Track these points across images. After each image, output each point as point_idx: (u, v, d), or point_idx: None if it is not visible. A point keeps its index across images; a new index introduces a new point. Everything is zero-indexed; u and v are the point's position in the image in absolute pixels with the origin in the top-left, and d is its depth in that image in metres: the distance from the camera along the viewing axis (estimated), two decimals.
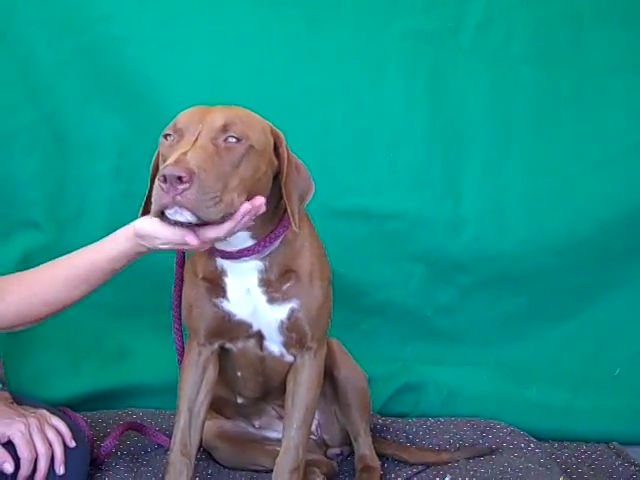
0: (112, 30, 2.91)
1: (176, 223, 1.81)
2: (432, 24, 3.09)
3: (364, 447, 2.50)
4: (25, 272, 2.13)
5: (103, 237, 2.92)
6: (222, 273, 2.10)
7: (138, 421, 2.66)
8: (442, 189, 3.11)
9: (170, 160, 1.76)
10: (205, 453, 2.55)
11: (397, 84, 3.08)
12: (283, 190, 1.99)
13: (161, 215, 1.81)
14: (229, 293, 2.11)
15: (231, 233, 1.87)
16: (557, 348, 3.16)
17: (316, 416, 2.47)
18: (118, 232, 2.03)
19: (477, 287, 3.15)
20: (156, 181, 1.76)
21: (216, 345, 2.21)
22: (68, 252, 2.83)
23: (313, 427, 2.49)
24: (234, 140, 1.88)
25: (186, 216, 1.79)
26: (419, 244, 3.10)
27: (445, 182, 3.11)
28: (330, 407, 2.54)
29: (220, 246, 2.04)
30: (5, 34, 2.90)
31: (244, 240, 2.03)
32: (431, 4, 3.08)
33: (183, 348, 2.31)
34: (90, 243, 2.91)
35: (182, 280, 2.24)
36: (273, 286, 2.10)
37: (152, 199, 1.80)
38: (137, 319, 2.99)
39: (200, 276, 2.14)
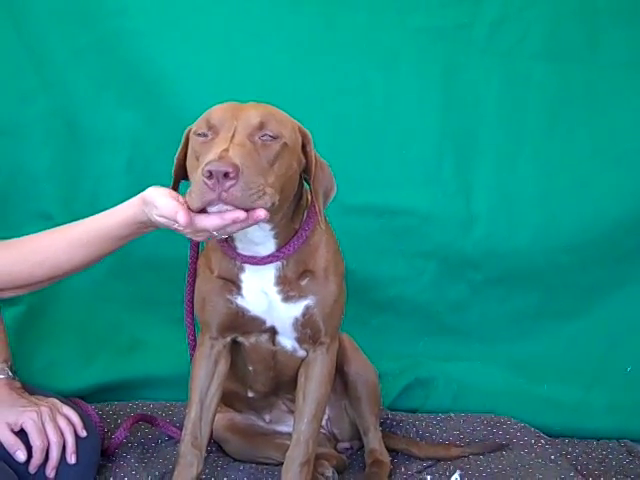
0: (126, 23, 2.93)
1: None
2: (446, 21, 3.08)
3: (374, 441, 2.51)
4: (24, 237, 2.16)
5: None
6: (239, 270, 2.10)
7: (149, 413, 2.67)
8: (454, 185, 3.10)
9: (212, 156, 1.76)
10: (215, 445, 2.56)
11: (410, 80, 3.07)
12: (312, 188, 2.01)
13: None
14: (244, 290, 2.11)
15: (217, 230, 1.85)
16: (568, 345, 3.15)
17: (326, 410, 2.47)
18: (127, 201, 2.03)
19: (488, 283, 3.15)
20: (199, 177, 1.75)
21: (228, 339, 2.21)
22: None
23: (323, 421, 2.50)
24: (270, 138, 1.89)
25: (225, 212, 1.80)
26: (431, 240, 3.10)
27: (457, 179, 3.10)
28: (340, 401, 2.54)
29: (244, 252, 2.05)
30: (20, 27, 2.92)
31: (267, 238, 2.03)
32: (446, 1, 3.07)
33: (195, 341, 2.31)
34: None
35: (195, 274, 2.24)
36: (290, 284, 2.10)
37: (191, 195, 1.79)
38: (149, 311, 3.00)
39: (215, 273, 2.13)
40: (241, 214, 1.78)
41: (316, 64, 3.04)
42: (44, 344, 2.87)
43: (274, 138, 1.89)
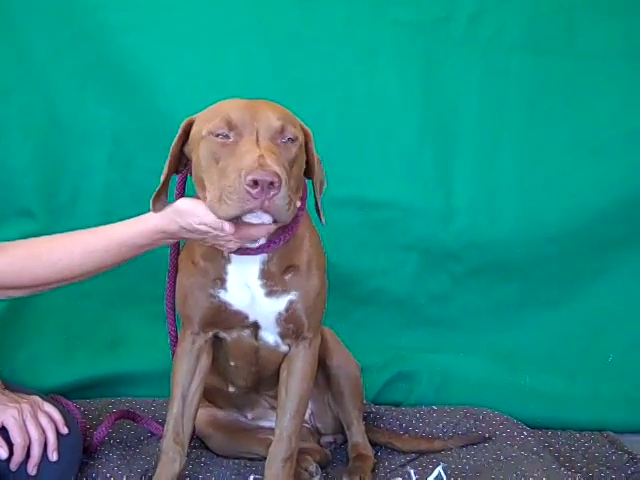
0: (108, 18, 2.91)
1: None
2: (425, 15, 3.08)
3: (357, 435, 2.51)
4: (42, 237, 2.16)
5: (97, 225, 2.95)
6: (226, 262, 2.09)
7: (131, 409, 2.65)
8: (435, 178, 3.12)
9: (249, 163, 1.76)
10: (198, 441, 2.55)
11: (390, 74, 3.08)
12: (313, 184, 2.04)
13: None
14: (228, 283, 2.10)
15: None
16: (550, 336, 3.17)
17: (309, 404, 2.47)
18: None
19: (470, 275, 3.17)
20: (239, 184, 1.75)
21: (210, 334, 2.21)
22: None
23: (306, 415, 2.50)
24: (289, 141, 1.91)
25: (264, 220, 1.82)
26: (412, 233, 3.11)
27: (437, 171, 3.12)
28: (323, 396, 2.55)
29: None
30: (1, 21, 2.89)
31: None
32: None
33: (176, 337, 2.31)
34: None
35: (176, 269, 2.23)
36: (274, 279, 2.10)
37: (226, 202, 1.78)
38: (131, 307, 2.99)
39: (200, 265, 2.12)
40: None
41: (296, 58, 3.03)
42: (26, 340, 2.86)
43: (293, 141, 1.91)
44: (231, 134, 1.86)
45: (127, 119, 2.98)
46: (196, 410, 2.24)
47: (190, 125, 2.00)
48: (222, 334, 2.21)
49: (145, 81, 2.95)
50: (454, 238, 3.12)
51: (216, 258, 2.10)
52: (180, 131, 1.99)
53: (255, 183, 1.74)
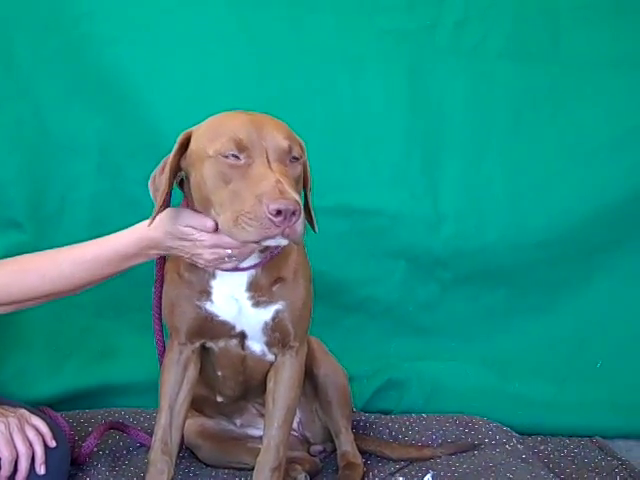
0: (94, 29, 2.91)
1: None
2: (411, 23, 3.09)
3: (346, 444, 2.51)
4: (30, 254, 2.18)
5: (85, 236, 2.94)
6: (210, 277, 2.10)
7: (120, 420, 2.65)
8: (422, 185, 3.12)
9: (269, 190, 1.75)
10: (187, 451, 2.55)
11: (376, 82, 3.09)
12: (305, 196, 2.04)
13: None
14: (214, 296, 2.10)
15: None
16: (539, 342, 3.18)
17: (297, 413, 2.48)
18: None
19: (458, 282, 3.17)
20: (260, 212, 1.75)
21: (197, 344, 2.20)
22: None
23: (295, 424, 2.51)
24: (295, 160, 1.91)
25: (281, 242, 1.83)
26: (399, 240, 3.11)
27: (424, 178, 3.12)
28: (311, 405, 2.54)
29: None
30: None
31: (254, 255, 2.05)
32: (410, 3, 3.09)
33: (164, 347, 2.31)
34: (72, 242, 2.93)
35: (162, 280, 2.23)
36: (262, 290, 2.10)
37: (245, 228, 1.77)
38: (119, 318, 2.99)
39: (185, 276, 2.13)
40: None
41: (282, 66, 3.04)
42: (14, 351, 2.85)
43: (297, 159, 1.92)
44: (241, 156, 1.84)
45: (114, 129, 2.98)
46: (184, 420, 2.24)
47: (187, 139, 1.96)
48: (209, 344, 2.20)
49: (132, 92, 2.95)
50: (442, 245, 3.12)
51: (200, 272, 2.10)
52: (177, 146, 1.96)
53: (278, 212, 1.74)
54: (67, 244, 2.87)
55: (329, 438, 2.57)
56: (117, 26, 2.92)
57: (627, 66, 3.13)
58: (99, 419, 2.70)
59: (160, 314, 2.27)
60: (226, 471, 2.45)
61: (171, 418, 2.20)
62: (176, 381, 2.21)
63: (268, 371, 2.24)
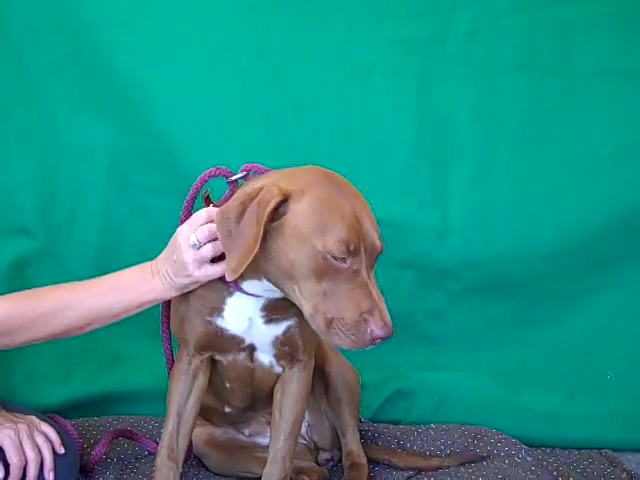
0: (104, 36, 2.92)
1: None
2: (420, 32, 3.09)
3: (352, 443, 2.51)
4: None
5: (95, 243, 2.98)
6: (227, 294, 2.06)
7: (129, 428, 2.65)
8: (430, 195, 3.12)
9: (376, 315, 1.77)
10: (195, 460, 2.55)
11: (385, 91, 3.09)
12: None
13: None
14: (225, 312, 2.08)
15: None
16: (547, 353, 3.17)
17: (305, 417, 2.47)
18: None
19: (466, 293, 3.16)
20: (361, 329, 1.76)
21: (206, 355, 2.19)
22: (60, 258, 2.87)
23: (303, 430, 2.50)
24: None
25: None
26: (407, 250, 3.10)
27: (433, 188, 3.12)
28: (319, 404, 2.54)
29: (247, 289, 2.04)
30: None
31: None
32: (420, 12, 3.09)
33: (172, 356, 2.31)
34: (82, 249, 2.96)
35: None
36: (277, 310, 2.08)
37: (340, 334, 1.78)
38: (130, 325, 2.90)
39: (198, 292, 2.08)
40: None
41: (291, 75, 3.04)
42: (23, 358, 2.84)
43: None
44: (349, 261, 1.79)
45: (124, 136, 2.99)
46: (192, 428, 2.23)
47: (281, 203, 1.82)
48: (218, 357, 2.19)
49: (141, 99, 2.95)
50: (450, 255, 3.11)
51: (218, 289, 2.06)
52: (270, 209, 1.79)
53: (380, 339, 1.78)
54: (77, 251, 2.93)
55: (337, 444, 2.57)
56: (127, 33, 2.93)
57: (636, 77, 3.12)
58: (108, 427, 2.69)
59: (168, 325, 2.26)
60: None
61: (179, 425, 2.19)
62: (185, 389, 2.19)
63: (275, 383, 2.24)
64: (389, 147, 3.11)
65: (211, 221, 1.95)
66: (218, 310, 2.08)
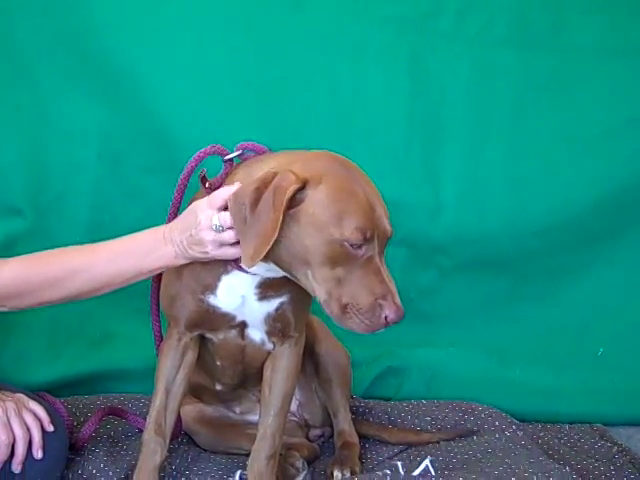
0: (95, 15, 2.90)
1: None
2: (412, 9, 3.07)
3: (343, 423, 2.53)
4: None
5: (86, 222, 2.97)
6: (223, 272, 2.05)
7: (119, 406, 2.65)
8: (422, 173, 3.11)
9: (389, 300, 1.84)
10: (186, 437, 2.55)
11: (378, 69, 3.07)
12: None
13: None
14: (219, 290, 2.07)
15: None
16: (540, 329, 3.17)
17: (296, 395, 2.49)
18: None
19: (459, 269, 3.16)
20: (376, 313, 1.83)
21: (196, 333, 2.19)
22: (50, 238, 2.87)
23: (294, 407, 2.51)
24: None
25: None
26: (400, 227, 2.97)
27: (425, 166, 3.11)
28: (310, 384, 2.55)
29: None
30: None
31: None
32: None
33: (160, 334, 2.30)
34: (73, 228, 2.95)
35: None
36: (271, 288, 2.08)
37: (355, 319, 1.84)
38: (119, 304, 2.96)
39: (195, 268, 2.07)
40: None
41: (283, 53, 3.02)
42: (13, 337, 2.85)
43: None
44: (364, 247, 1.82)
45: (115, 116, 2.97)
46: (180, 404, 2.24)
47: (298, 190, 1.82)
48: (208, 335, 2.19)
49: (133, 78, 2.93)
50: (442, 232, 3.11)
51: (213, 266, 2.04)
52: (288, 198, 1.79)
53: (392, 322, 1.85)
54: (68, 231, 2.92)
55: (328, 421, 2.58)
56: (118, 12, 2.91)
57: (629, 54, 3.11)
58: (98, 405, 2.69)
59: (157, 301, 2.26)
60: (224, 456, 2.45)
61: (167, 401, 2.19)
62: (173, 365, 2.20)
63: (266, 360, 2.24)
64: (381, 125, 3.10)
65: None
66: (211, 288, 2.07)
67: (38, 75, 2.94)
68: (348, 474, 2.36)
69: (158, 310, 2.28)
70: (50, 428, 2.15)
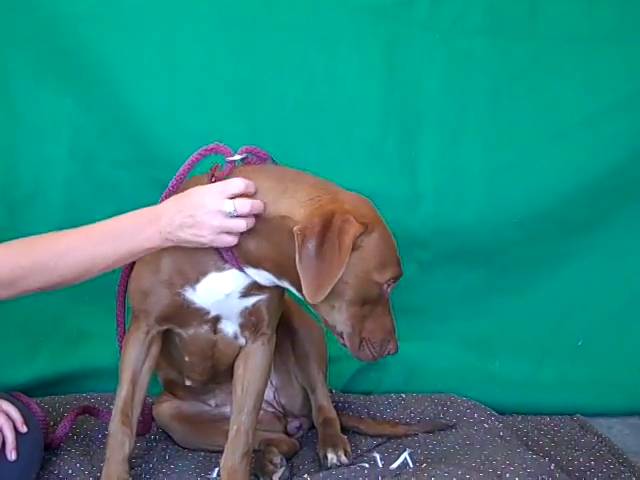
0: (63, 8, 2.86)
1: None
2: None
3: (322, 398, 2.54)
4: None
5: (59, 218, 2.93)
6: (212, 270, 2.04)
7: (96, 405, 2.62)
8: (399, 164, 3.09)
9: (394, 338, 2.04)
10: (164, 435, 2.53)
11: (352, 59, 3.05)
12: None
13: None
14: (200, 284, 2.05)
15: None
16: (519, 321, 3.16)
17: (272, 380, 2.49)
18: None
19: (437, 262, 3.14)
20: (380, 348, 2.01)
21: (165, 327, 2.17)
22: (23, 235, 2.81)
23: (270, 395, 2.51)
24: None
25: None
26: None
27: (402, 157, 3.09)
28: (287, 365, 2.55)
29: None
30: None
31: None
32: None
33: (124, 327, 2.29)
34: (45, 225, 2.90)
35: (130, 269, 2.18)
36: (257, 289, 2.08)
37: (366, 351, 2.02)
38: (94, 302, 2.95)
39: (178, 264, 2.05)
40: None
41: (256, 44, 2.99)
42: None
43: None
44: (389, 290, 2.00)
45: (86, 111, 2.94)
46: (145, 396, 2.22)
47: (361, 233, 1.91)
48: (177, 330, 2.17)
49: (103, 71, 2.90)
50: (420, 225, 3.09)
51: (203, 261, 2.03)
52: (351, 242, 1.88)
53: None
54: (40, 227, 2.85)
55: (306, 407, 2.57)
56: (87, 5, 2.87)
57: (605, 41, 3.10)
58: (74, 404, 2.66)
59: (123, 299, 2.24)
60: (202, 454, 2.43)
61: (133, 391, 2.17)
62: (139, 357, 2.17)
63: (236, 357, 2.23)
64: (357, 116, 3.07)
65: (246, 195, 1.92)
66: (192, 282, 2.05)
67: (6, 70, 2.90)
68: (343, 456, 2.38)
69: (123, 309, 2.27)
70: (24, 429, 2.12)
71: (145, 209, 2.00)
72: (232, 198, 1.90)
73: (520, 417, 2.84)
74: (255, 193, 1.94)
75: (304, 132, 3.02)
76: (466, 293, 3.18)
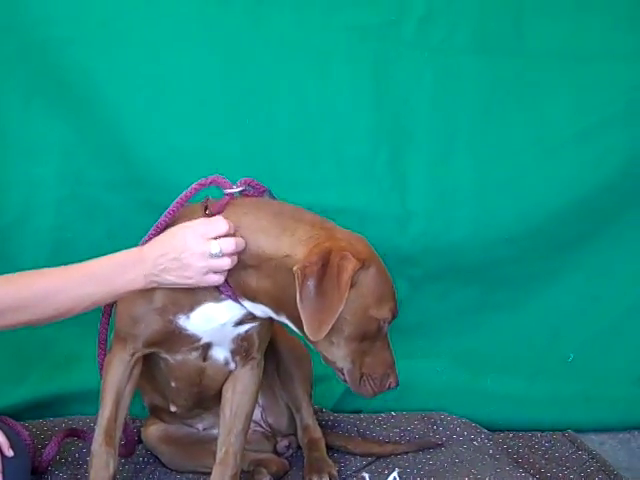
0: (54, 31, 2.87)
1: None
2: (375, 18, 3.05)
3: (307, 417, 2.53)
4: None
5: (50, 241, 2.94)
6: (208, 300, 2.04)
7: (85, 427, 2.61)
8: (389, 182, 3.08)
9: (395, 372, 2.10)
10: (153, 457, 2.52)
11: (341, 78, 3.05)
12: None
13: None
14: (195, 313, 2.06)
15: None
16: (510, 338, 3.16)
17: (259, 401, 2.47)
18: None
19: (428, 279, 3.14)
20: (383, 384, 2.08)
21: (152, 350, 2.16)
22: (12, 260, 2.83)
23: (257, 415, 2.49)
24: None
25: None
26: (368, 238, 3.03)
27: (392, 175, 3.08)
28: (272, 385, 2.54)
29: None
30: None
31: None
32: None
33: (105, 348, 2.29)
34: (35, 248, 2.92)
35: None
36: (251, 318, 2.09)
37: (367, 386, 2.06)
38: (84, 325, 2.90)
39: (170, 293, 2.04)
40: None
41: (246, 64, 2.99)
42: None
43: None
44: (387, 326, 2.03)
45: (76, 132, 2.94)
46: (126, 416, 2.22)
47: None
48: (164, 355, 2.17)
49: (93, 93, 2.90)
50: (411, 242, 3.08)
51: (200, 292, 2.03)
52: (349, 278, 1.90)
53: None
54: (30, 252, 2.89)
55: (293, 425, 2.56)
56: (77, 28, 2.88)
57: (592, 58, 3.10)
58: (63, 427, 2.64)
59: (109, 315, 2.24)
60: (191, 476, 2.43)
61: (117, 412, 2.16)
62: (122, 378, 2.16)
63: (224, 383, 2.23)
64: (347, 134, 3.07)
65: (230, 234, 1.94)
66: (186, 310, 2.05)
67: None
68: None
69: (106, 336, 2.27)
70: (10, 453, 2.11)
71: (129, 251, 2.00)
72: (215, 238, 1.92)
73: (511, 434, 2.83)
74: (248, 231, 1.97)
75: (295, 151, 3.03)
76: (457, 310, 3.17)
